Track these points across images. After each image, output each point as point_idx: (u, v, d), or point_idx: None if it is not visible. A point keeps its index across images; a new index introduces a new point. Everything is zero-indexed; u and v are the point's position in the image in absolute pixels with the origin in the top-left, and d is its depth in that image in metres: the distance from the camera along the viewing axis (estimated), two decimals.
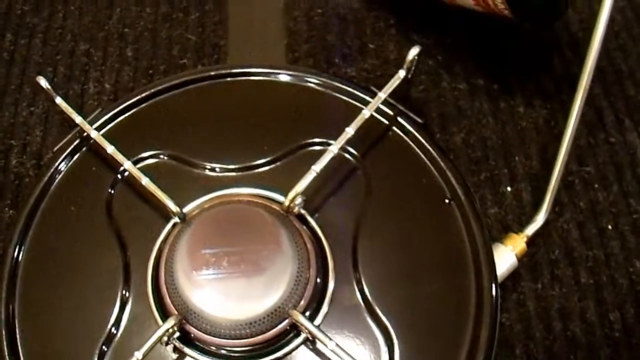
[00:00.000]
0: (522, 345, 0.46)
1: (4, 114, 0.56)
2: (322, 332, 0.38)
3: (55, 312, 0.42)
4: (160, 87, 0.47)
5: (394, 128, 0.46)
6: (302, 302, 0.39)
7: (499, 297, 0.42)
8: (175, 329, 0.39)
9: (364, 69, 0.54)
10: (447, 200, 0.44)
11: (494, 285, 0.42)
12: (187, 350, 0.40)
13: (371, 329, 0.40)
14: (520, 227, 0.47)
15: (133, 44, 0.57)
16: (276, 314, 0.39)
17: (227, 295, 0.39)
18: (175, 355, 0.40)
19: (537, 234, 0.47)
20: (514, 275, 0.47)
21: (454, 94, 0.54)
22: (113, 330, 0.41)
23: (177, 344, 0.40)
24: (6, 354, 0.41)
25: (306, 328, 0.38)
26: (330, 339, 0.38)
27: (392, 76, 0.46)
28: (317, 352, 0.40)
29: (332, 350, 0.37)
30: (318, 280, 0.41)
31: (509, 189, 0.50)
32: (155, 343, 0.38)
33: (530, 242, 0.47)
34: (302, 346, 0.40)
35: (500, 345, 0.46)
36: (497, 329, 0.41)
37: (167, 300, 0.40)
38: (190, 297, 0.39)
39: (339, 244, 0.43)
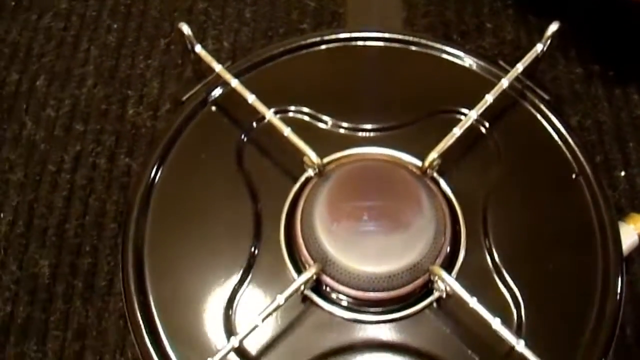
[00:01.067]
0: (633, 326, 0.47)
1: (121, 65, 0.57)
2: (463, 288, 0.38)
3: (184, 258, 0.42)
4: (296, 45, 0.48)
5: (524, 102, 0.47)
6: (438, 260, 0.40)
7: (624, 273, 0.43)
8: (314, 278, 0.40)
9: (482, 47, 0.55)
10: (574, 176, 0.45)
11: (620, 261, 0.42)
12: (318, 300, 0.40)
13: (500, 293, 0.41)
14: (635, 211, 0.48)
15: (251, 5, 0.58)
16: (414, 270, 0.39)
17: (366, 247, 0.39)
18: (303, 306, 0.41)
19: None
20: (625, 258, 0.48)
21: (570, 77, 0.54)
22: (244, 277, 0.41)
23: (309, 293, 0.41)
24: (134, 297, 0.41)
25: (447, 283, 0.39)
26: (471, 296, 0.38)
27: (508, 56, 0.46)
28: (447, 312, 0.40)
29: (472, 308, 0.37)
30: (451, 246, 0.42)
31: (622, 173, 0.51)
32: (296, 290, 0.39)
33: None
34: (434, 305, 0.40)
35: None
36: (622, 304, 0.42)
37: (303, 250, 0.41)
38: (330, 247, 0.39)
39: (470, 210, 0.43)
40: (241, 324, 0.40)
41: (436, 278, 0.40)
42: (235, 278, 0.42)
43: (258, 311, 0.38)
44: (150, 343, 0.40)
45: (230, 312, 0.41)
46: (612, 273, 0.41)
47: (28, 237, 0.50)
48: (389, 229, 0.40)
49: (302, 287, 0.40)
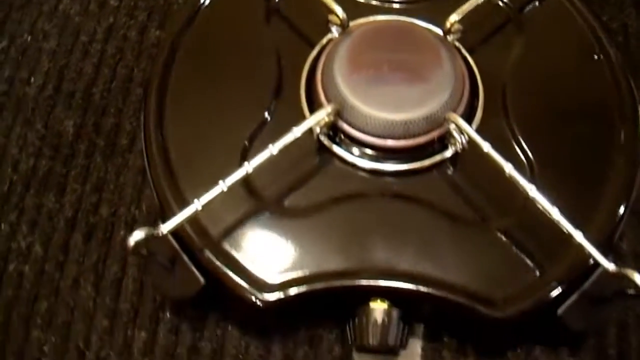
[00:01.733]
0: None
1: None
2: (477, 134, 0.39)
3: (205, 106, 0.43)
4: None
5: None
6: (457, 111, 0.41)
7: None
8: (328, 119, 0.40)
9: None
10: (596, 57, 0.45)
11: (637, 136, 0.42)
12: (334, 147, 0.41)
13: (516, 155, 0.41)
14: None
15: None
16: (431, 119, 0.40)
17: (384, 94, 0.40)
18: (319, 153, 0.41)
19: None
20: None
21: None
22: (262, 125, 0.42)
23: (325, 141, 0.41)
24: (153, 136, 0.42)
25: (464, 131, 0.39)
26: (485, 141, 0.38)
27: None
28: (463, 167, 0.41)
29: (487, 154, 0.38)
30: (470, 101, 0.42)
31: None
32: (313, 127, 0.39)
33: None
34: (450, 160, 0.41)
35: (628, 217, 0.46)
36: (637, 177, 0.42)
37: (321, 95, 0.41)
38: (348, 90, 0.40)
39: (490, 78, 0.43)
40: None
41: (453, 128, 0.40)
42: (253, 125, 0.42)
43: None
44: (165, 180, 0.41)
45: (246, 155, 0.41)
46: (629, 148, 0.42)
47: (56, 99, 0.51)
48: (408, 80, 0.41)
49: (318, 129, 0.40)
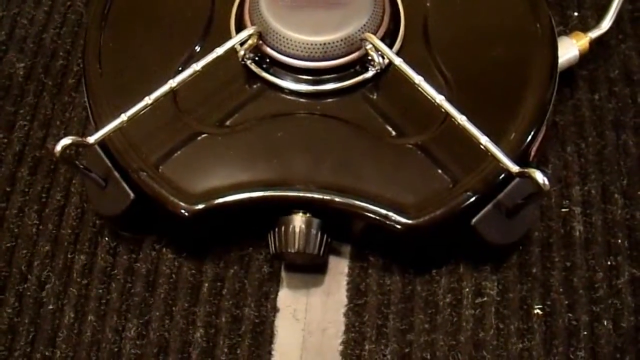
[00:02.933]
0: (574, 145, 0.47)
1: None
2: (394, 54, 0.40)
3: (142, 36, 0.45)
4: None
5: None
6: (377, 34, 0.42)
7: (557, 71, 0.44)
8: (252, 42, 0.42)
9: None
10: None
11: (553, 63, 0.43)
12: (258, 70, 0.42)
13: (434, 77, 0.42)
14: None
15: None
16: (349, 40, 0.41)
17: (306, 18, 0.41)
18: (245, 77, 0.43)
19: (599, 40, 0.47)
20: (572, 84, 0.49)
21: None
22: (196, 48, 0.43)
23: (251, 64, 0.43)
24: (91, 62, 0.44)
25: (379, 48, 0.40)
26: (397, 57, 0.40)
27: None
28: (382, 88, 0.42)
29: (398, 67, 0.39)
30: (390, 26, 0.43)
31: (576, 14, 0.52)
32: (232, 45, 0.41)
33: (592, 46, 0.47)
34: (370, 81, 0.42)
35: (553, 141, 0.47)
36: (552, 98, 0.43)
37: (247, 22, 0.43)
38: (270, 14, 0.41)
39: (412, 5, 0.45)
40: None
41: (371, 49, 0.41)
42: (185, 54, 0.44)
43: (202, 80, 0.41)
44: (99, 99, 0.42)
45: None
46: (544, 68, 0.43)
47: (8, 45, 0.53)
48: (329, 4, 0.42)
49: (242, 52, 0.42)
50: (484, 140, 0.37)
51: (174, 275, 0.44)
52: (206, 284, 0.44)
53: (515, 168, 0.37)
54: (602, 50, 0.50)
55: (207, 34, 0.44)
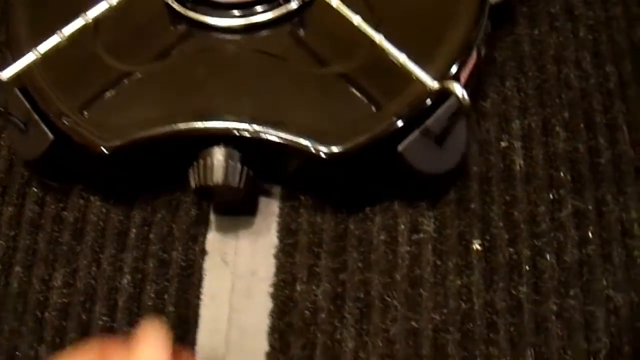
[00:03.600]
0: (513, 80, 0.45)
1: None
2: None
3: None
4: None
5: None
6: None
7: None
8: None
9: None
10: None
11: None
12: (180, 6, 0.40)
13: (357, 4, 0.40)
14: None
15: None
16: None
17: None
18: (168, 14, 0.41)
19: None
20: (511, 20, 0.47)
21: None
22: None
23: (175, 4, 0.41)
24: None
25: None
26: None
27: None
28: (308, 18, 0.40)
29: (336, 7, 0.37)
30: None
31: None
32: None
33: None
34: (296, 11, 0.40)
35: (491, 76, 0.46)
36: (481, 23, 0.41)
37: None
38: None
39: None
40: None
41: None
42: None
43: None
44: (15, 39, 0.41)
45: None
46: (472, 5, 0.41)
47: None
48: None
49: None
50: (402, 58, 0.36)
51: (101, 223, 0.43)
52: (134, 230, 0.42)
53: (433, 84, 0.35)
54: None
55: None
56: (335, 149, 0.37)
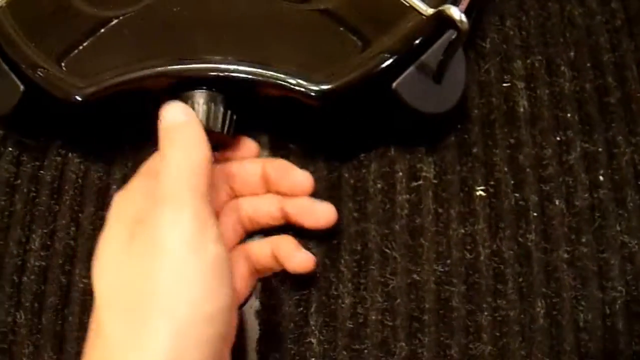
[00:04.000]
0: (514, 18, 0.42)
1: None
2: None
3: None
4: None
5: None
6: None
7: None
8: None
9: None
10: None
11: None
12: None
13: None
14: None
15: None
16: None
17: None
18: None
19: None
20: None
21: None
22: None
23: None
24: None
25: None
26: None
27: None
28: None
29: None
30: None
31: None
32: None
33: None
34: None
35: (490, 14, 0.43)
36: None
37: None
38: None
39: None
40: None
41: None
42: None
43: None
44: None
45: None
46: None
47: None
48: None
49: None
50: None
51: (80, 180, 0.40)
52: (114, 186, 0.40)
53: (428, 10, 0.33)
54: None
55: None
56: (324, 87, 0.34)
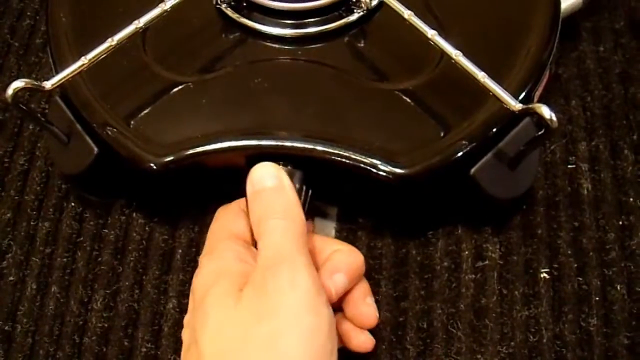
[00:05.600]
0: (578, 99, 0.42)
1: None
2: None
3: None
4: None
5: None
6: None
7: (559, 11, 0.39)
8: None
9: None
10: None
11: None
12: (235, 14, 0.37)
13: (426, 16, 0.36)
14: None
15: None
16: None
17: None
18: (223, 22, 0.38)
19: None
20: (575, 36, 0.44)
21: None
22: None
23: (227, 9, 0.38)
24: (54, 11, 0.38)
25: None
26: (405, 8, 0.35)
27: None
28: (371, 29, 0.37)
29: (407, 19, 0.34)
30: None
31: None
32: None
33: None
34: (358, 22, 0.37)
35: (555, 95, 0.42)
36: (554, 40, 0.38)
37: None
38: None
39: None
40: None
41: None
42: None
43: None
44: (60, 45, 0.37)
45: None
46: (544, 15, 0.37)
47: None
48: None
49: None
50: (482, 75, 0.32)
51: (144, 242, 0.39)
52: (180, 250, 0.39)
53: (517, 105, 0.32)
54: (606, 1, 0.46)
55: None
56: (403, 171, 0.33)
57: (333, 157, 0.34)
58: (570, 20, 0.43)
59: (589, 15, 0.44)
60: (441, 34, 0.35)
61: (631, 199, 0.40)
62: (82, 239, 0.39)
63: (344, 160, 0.34)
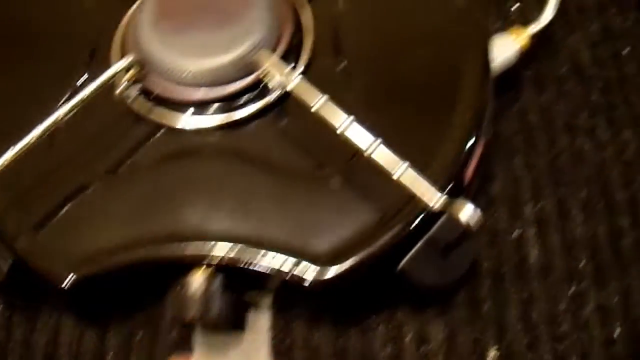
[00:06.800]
0: (522, 156, 0.38)
1: None
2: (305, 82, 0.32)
3: (16, 74, 0.37)
4: None
5: None
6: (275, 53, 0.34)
7: (489, 75, 0.35)
8: (132, 74, 0.33)
9: None
10: None
11: (483, 59, 0.35)
12: (142, 108, 0.34)
13: (346, 94, 0.33)
14: None
15: None
16: (243, 62, 0.33)
17: (190, 40, 0.33)
18: (130, 119, 0.34)
19: (541, 35, 0.39)
20: (516, 86, 0.40)
21: None
22: (77, 85, 0.35)
23: (134, 101, 0.34)
24: None
25: (278, 70, 0.32)
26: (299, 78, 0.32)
27: None
28: (288, 113, 0.34)
29: (314, 113, 0.31)
30: (293, 40, 0.35)
31: (518, 4, 0.43)
32: (104, 80, 0.32)
33: (535, 46, 0.38)
34: (275, 105, 0.34)
35: (497, 154, 0.39)
36: (485, 107, 0.34)
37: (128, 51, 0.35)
38: (149, 39, 0.33)
39: (320, 15, 0.36)
40: None
41: (270, 69, 0.33)
42: (66, 92, 0.35)
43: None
44: None
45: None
46: (473, 80, 0.34)
47: None
48: (217, 23, 0.33)
49: (122, 87, 0.33)
50: (401, 169, 0.29)
51: (74, 346, 0.37)
52: (110, 353, 0.37)
53: (437, 203, 0.29)
54: (547, 46, 0.42)
55: (92, 65, 0.36)
56: (323, 275, 0.30)
57: (249, 261, 0.31)
58: (510, 70, 0.40)
59: (529, 62, 0.41)
60: (361, 116, 0.32)
61: (581, 264, 0.37)
62: (11, 345, 0.36)
63: (260, 269, 0.31)
